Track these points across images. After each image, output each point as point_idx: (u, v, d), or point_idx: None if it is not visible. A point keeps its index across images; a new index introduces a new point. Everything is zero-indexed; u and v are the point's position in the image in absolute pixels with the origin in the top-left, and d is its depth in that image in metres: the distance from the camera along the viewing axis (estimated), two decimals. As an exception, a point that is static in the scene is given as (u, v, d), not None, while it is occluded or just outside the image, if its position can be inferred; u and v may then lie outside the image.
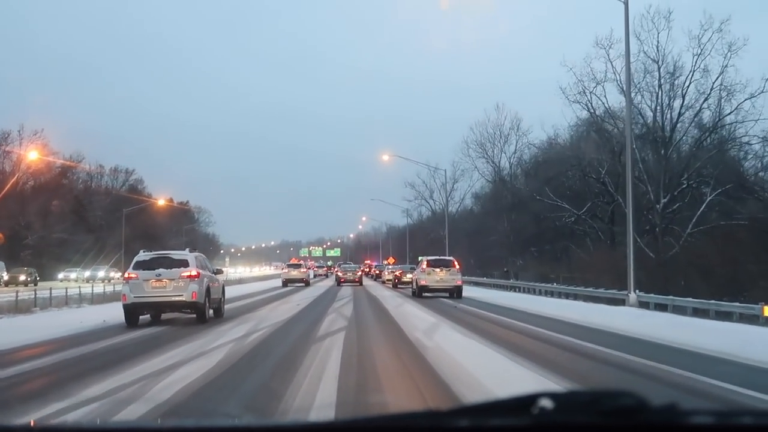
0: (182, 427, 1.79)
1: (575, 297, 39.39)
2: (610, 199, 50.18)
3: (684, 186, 44.16)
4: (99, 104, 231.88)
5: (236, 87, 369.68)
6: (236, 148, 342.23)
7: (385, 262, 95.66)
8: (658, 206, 42.97)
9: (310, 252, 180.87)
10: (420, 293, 34.46)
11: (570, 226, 52.88)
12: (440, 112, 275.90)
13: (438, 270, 34.74)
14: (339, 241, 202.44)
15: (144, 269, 20.23)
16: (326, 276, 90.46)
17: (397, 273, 53.28)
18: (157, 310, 20.56)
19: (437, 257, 38.11)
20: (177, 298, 19.83)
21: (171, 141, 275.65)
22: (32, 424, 3.25)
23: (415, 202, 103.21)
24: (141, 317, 20.53)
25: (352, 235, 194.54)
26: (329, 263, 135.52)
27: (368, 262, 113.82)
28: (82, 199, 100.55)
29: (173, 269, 20.09)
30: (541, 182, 54.83)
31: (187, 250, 23.33)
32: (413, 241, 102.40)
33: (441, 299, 32.90)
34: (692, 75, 44.18)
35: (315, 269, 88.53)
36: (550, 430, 1.48)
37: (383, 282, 62.67)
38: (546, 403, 1.50)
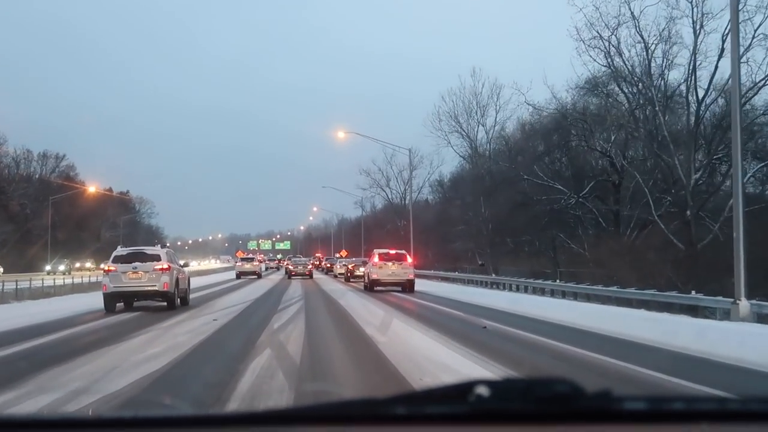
0: (119, 417, 1.80)
1: (588, 298, 30.17)
2: (616, 176, 40.64)
3: (721, 156, 34.53)
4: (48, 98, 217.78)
5: (178, 88, 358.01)
6: (184, 143, 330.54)
7: (337, 255, 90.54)
8: (689, 180, 33.21)
9: (259, 245, 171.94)
10: (372, 287, 33.47)
11: (563, 211, 43.08)
12: (404, 92, 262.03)
13: (390, 264, 33.81)
14: (289, 233, 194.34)
15: (122, 263, 22.34)
16: (277, 269, 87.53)
17: (350, 266, 51.15)
18: (133, 298, 22.61)
19: (389, 251, 36.55)
20: (151, 288, 22.06)
21: (113, 136, 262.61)
22: None
23: (371, 191, 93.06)
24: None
25: (302, 227, 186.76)
26: (279, 256, 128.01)
27: (318, 255, 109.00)
28: (3, 185, 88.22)
29: (147, 263, 22.23)
30: (529, 159, 45.09)
31: (159, 246, 25.74)
32: (368, 234, 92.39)
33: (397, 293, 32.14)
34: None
35: (267, 262, 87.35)
36: (486, 417, 1.46)
37: (335, 276, 59.51)
38: (482, 390, 1.47)
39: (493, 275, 46.97)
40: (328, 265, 75.74)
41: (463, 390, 1.51)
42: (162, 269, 22.18)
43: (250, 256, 70.60)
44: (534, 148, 46.80)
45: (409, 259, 35.15)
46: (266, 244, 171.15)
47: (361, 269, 42.99)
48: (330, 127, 64.91)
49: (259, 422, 1.60)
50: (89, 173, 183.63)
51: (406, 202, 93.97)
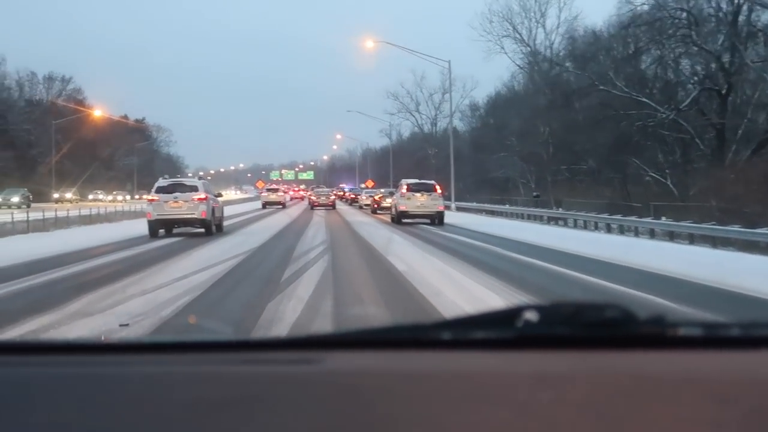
0: (163, 341, 1.73)
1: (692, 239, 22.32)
2: (724, 83, 31.43)
3: None
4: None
5: (204, 12, 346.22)
6: (207, 73, 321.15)
7: (363, 186, 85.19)
8: None
9: (281, 175, 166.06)
10: (399, 219, 31.70)
11: (647, 130, 34.11)
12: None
13: (418, 195, 31.72)
14: (312, 163, 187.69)
15: (164, 193, 23.71)
16: (302, 199, 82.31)
17: (376, 197, 47.62)
18: (174, 225, 23.97)
19: (417, 181, 34.34)
20: (190, 216, 23.45)
21: (134, 65, 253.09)
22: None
23: (398, 116, 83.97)
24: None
25: (325, 157, 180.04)
26: (302, 186, 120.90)
27: (342, 185, 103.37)
28: (2, 109, 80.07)
29: (186, 193, 23.62)
30: (607, 66, 35.88)
31: (197, 177, 28.73)
32: (395, 163, 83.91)
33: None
34: None
35: (294, 191, 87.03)
36: (533, 343, 1.41)
37: (360, 207, 56.13)
38: (530, 315, 1.42)
39: (559, 209, 38.39)
40: (353, 196, 71.65)
41: (510, 315, 1.45)
42: (200, 199, 23.43)
43: (275, 186, 70.73)
44: (608, 53, 37.44)
45: (439, 190, 32.66)
46: (289, 175, 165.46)
47: (388, 200, 40.51)
48: (358, 42, 54.77)
49: (300, 347, 1.55)
50: (102, 100, 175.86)
51: (437, 127, 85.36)
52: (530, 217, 38.93)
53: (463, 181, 72.36)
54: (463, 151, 70.09)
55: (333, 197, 57.13)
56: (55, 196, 72.41)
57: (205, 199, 23.56)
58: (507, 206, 44.17)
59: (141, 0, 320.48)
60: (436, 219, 31.11)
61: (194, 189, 23.88)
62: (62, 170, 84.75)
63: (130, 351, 1.63)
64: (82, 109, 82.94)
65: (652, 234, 26.03)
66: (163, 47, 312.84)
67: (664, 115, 32.48)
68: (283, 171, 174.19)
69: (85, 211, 33.96)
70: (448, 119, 78.45)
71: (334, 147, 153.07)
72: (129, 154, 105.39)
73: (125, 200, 77.10)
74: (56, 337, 6.69)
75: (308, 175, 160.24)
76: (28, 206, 49.77)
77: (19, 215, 27.22)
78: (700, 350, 1.45)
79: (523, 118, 49.12)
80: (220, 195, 28.27)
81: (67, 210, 33.84)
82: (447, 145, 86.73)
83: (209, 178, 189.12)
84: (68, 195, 75.84)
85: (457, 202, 48.09)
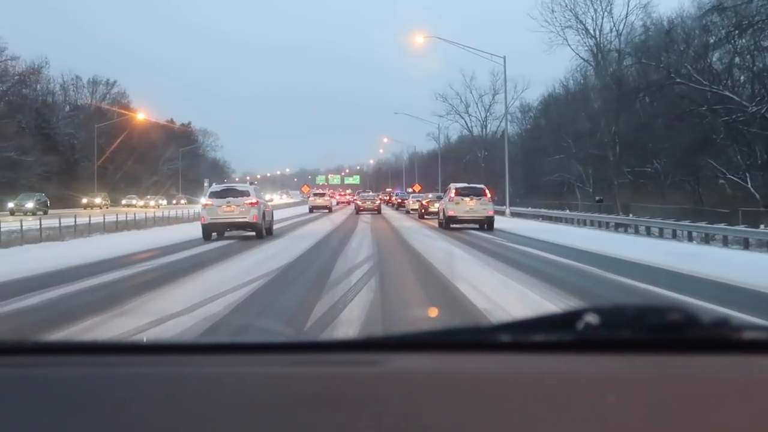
0: (218, 343, 1.72)
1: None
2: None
3: None
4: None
5: (249, 21, 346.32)
6: (256, 80, 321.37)
7: (410, 190, 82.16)
8: None
9: (327, 180, 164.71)
10: (447, 224, 30.52)
11: (733, 127, 30.33)
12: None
13: (467, 199, 30.64)
14: (358, 168, 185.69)
15: (217, 197, 24.53)
16: (348, 204, 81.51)
17: (424, 202, 45.90)
18: (226, 228, 24.35)
19: (467, 185, 33.16)
20: (242, 220, 23.96)
21: (182, 71, 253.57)
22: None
23: (447, 118, 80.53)
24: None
25: (371, 161, 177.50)
26: (348, 191, 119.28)
27: (389, 190, 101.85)
28: (46, 113, 78.68)
29: (238, 198, 24.22)
30: (681, 58, 32.19)
31: (248, 183, 28.94)
32: (443, 167, 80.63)
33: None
34: None
35: (341, 195, 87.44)
36: (595, 346, 1.40)
37: (407, 212, 54.29)
38: (591, 318, 1.40)
39: (629, 215, 34.72)
40: (399, 201, 69.95)
41: (570, 318, 1.43)
42: (251, 203, 24.01)
43: (321, 191, 70.18)
44: (686, 44, 33.65)
45: (488, 194, 31.30)
46: (335, 179, 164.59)
47: (436, 205, 38.58)
48: (408, 40, 51.53)
49: (361, 349, 1.55)
50: (149, 106, 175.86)
51: (487, 129, 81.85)
52: (593, 224, 35.39)
53: (513, 185, 68.93)
54: (514, 155, 66.69)
55: (378, 202, 56.72)
56: (84, 201, 67.68)
57: (256, 203, 24.27)
58: (567, 211, 40.52)
59: (191, 11, 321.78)
60: (486, 224, 29.85)
61: (246, 194, 24.60)
62: (105, 175, 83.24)
63: (186, 352, 1.64)
64: (125, 112, 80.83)
65: (746, 245, 22.49)
66: (211, 56, 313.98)
67: (753, 110, 28.61)
68: (330, 175, 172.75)
69: (110, 218, 31.59)
70: (500, 120, 74.84)
71: (381, 151, 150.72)
72: (174, 159, 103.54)
73: (158, 206, 72.50)
74: (115, 339, 6.35)
75: (354, 180, 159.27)
76: (45, 212, 46.89)
77: (32, 223, 24.99)
78: (765, 354, 1.40)
79: (584, 116, 45.35)
80: (270, 200, 29.13)
81: (89, 216, 31.30)
82: (497, 148, 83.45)
83: (256, 182, 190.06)
84: (97, 200, 70.31)
85: (511, 207, 44.69)
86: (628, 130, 38.29)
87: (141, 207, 68.61)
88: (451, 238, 24.35)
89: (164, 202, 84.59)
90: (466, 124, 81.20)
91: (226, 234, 24.42)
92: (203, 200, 26.35)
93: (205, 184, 50.14)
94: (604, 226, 34.41)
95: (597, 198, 39.74)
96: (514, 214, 43.57)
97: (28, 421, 1.23)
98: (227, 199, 24.11)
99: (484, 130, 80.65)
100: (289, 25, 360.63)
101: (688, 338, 1.39)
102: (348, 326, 7.91)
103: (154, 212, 45.21)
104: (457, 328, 1.58)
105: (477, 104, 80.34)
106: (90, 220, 29.25)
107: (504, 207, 42.67)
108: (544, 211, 43.75)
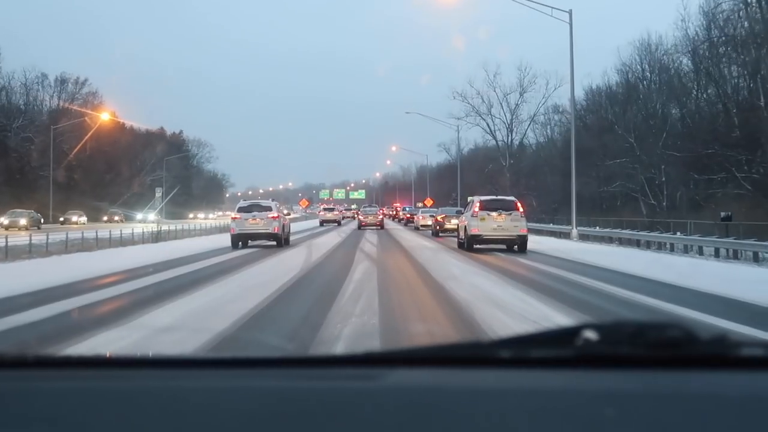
0: (220, 358, 1.78)
1: None
2: None
3: None
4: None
5: (262, 34, 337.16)
6: (260, 93, 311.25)
7: (420, 205, 75.27)
8: None
9: (332, 194, 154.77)
10: (470, 245, 24.37)
11: None
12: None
13: (495, 214, 24.48)
14: (363, 182, 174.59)
15: (244, 212, 26.79)
16: (353, 218, 76.45)
17: (439, 218, 39.13)
18: (250, 239, 26.65)
19: (494, 197, 27.35)
20: (265, 231, 26.30)
21: (186, 84, 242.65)
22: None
23: (466, 121, 67.37)
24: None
25: (378, 174, 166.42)
26: (353, 206, 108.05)
27: (396, 204, 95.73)
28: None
29: (262, 212, 26.54)
30: None
31: (271, 200, 30.99)
32: (456, 180, 68.24)
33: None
34: None
35: (344, 212, 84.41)
36: (593, 362, 1.40)
37: (416, 228, 48.60)
38: (590, 334, 1.41)
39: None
40: (407, 216, 63.97)
41: (570, 334, 1.43)
42: (273, 217, 26.36)
43: (331, 207, 75.78)
44: None
45: (521, 209, 25.24)
46: (339, 194, 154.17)
47: (453, 221, 33.75)
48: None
49: (360, 363, 1.54)
50: (138, 116, 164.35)
51: (513, 134, 68.88)
52: (715, 254, 23.31)
53: (548, 197, 55.90)
54: (551, 161, 53.88)
55: (381, 217, 53.57)
56: (61, 219, 60.49)
57: (278, 217, 26.68)
58: (670, 234, 27.64)
59: (187, 23, 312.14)
60: (517, 244, 24.47)
61: (268, 209, 27.02)
62: (70, 186, 70.72)
63: (190, 366, 1.62)
64: (85, 111, 68.00)
65: None
66: (209, 68, 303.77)
67: None
68: (335, 190, 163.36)
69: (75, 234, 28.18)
70: (528, 123, 61.81)
71: (388, 162, 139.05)
72: (158, 170, 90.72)
73: (78, 223, 59.51)
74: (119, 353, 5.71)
75: (359, 194, 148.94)
76: (38, 228, 46.76)
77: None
78: (763, 371, 1.41)
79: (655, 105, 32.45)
80: (288, 214, 31.48)
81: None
82: (523, 157, 70.73)
83: (259, 197, 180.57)
84: (75, 218, 61.22)
85: (580, 228, 31.87)
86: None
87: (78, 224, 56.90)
88: (495, 271, 16.17)
89: (120, 219, 70.47)
90: (489, 127, 68.16)
91: (249, 243, 26.61)
92: (232, 214, 29.07)
93: (157, 194, 40.02)
94: (733, 255, 23.09)
95: (723, 214, 26.88)
96: (583, 236, 31.52)
97: None
98: (253, 213, 26.53)
99: (510, 135, 67.68)
100: (293, 33, 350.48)
101: (687, 355, 1.37)
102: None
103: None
104: (457, 344, 1.57)
105: (501, 104, 67.51)
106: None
107: (569, 227, 30.14)
108: (624, 233, 31.08)
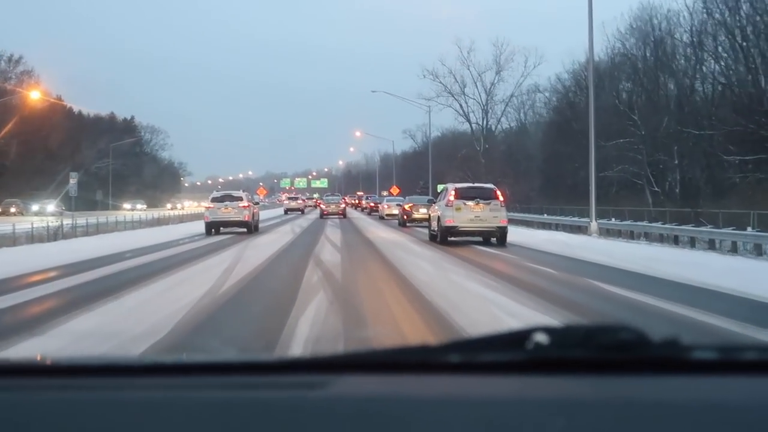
0: (162, 363, 1.69)
1: None
2: None
3: None
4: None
5: (224, 19, 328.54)
6: (221, 78, 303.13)
7: (384, 193, 73.74)
8: None
9: (293, 183, 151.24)
10: (444, 237, 22.39)
11: None
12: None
13: (472, 204, 22.41)
14: (326, 170, 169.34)
15: (217, 202, 28.85)
16: (315, 207, 76.21)
17: (406, 206, 36.11)
18: (223, 226, 28.51)
19: (471, 185, 24.94)
20: (237, 219, 28.38)
21: (140, 65, 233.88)
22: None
23: (438, 101, 61.48)
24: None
25: (341, 162, 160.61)
26: (315, 195, 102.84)
27: (360, 193, 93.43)
28: None
29: (234, 201, 28.61)
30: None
31: (242, 190, 33.22)
32: (423, 167, 62.91)
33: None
34: None
35: (307, 202, 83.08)
36: (544, 366, 1.38)
37: (381, 218, 46.53)
38: (541, 338, 1.38)
39: None
40: (372, 205, 60.97)
41: (520, 337, 1.40)
42: (244, 206, 28.43)
43: (295, 196, 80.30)
44: None
45: (500, 197, 23.19)
46: (301, 183, 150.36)
47: (422, 210, 31.77)
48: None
49: (305, 369, 1.50)
50: (87, 99, 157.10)
51: (488, 116, 63.26)
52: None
53: (530, 183, 50.46)
54: (533, 145, 48.37)
55: (343, 206, 53.56)
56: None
57: (248, 206, 28.75)
58: (732, 230, 21.82)
59: (151, 2, 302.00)
60: (496, 237, 22.34)
61: (239, 198, 29.00)
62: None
63: (128, 373, 1.56)
64: (16, 89, 60.74)
65: None
66: (168, 51, 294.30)
67: None
68: (296, 179, 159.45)
69: None
70: (504, 105, 56.39)
71: (351, 149, 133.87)
72: (103, 157, 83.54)
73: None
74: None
75: (322, 183, 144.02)
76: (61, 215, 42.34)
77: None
78: (715, 374, 1.38)
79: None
80: (257, 203, 35.15)
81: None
82: (499, 142, 65.29)
83: (219, 186, 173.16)
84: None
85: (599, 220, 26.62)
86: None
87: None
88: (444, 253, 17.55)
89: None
90: (462, 108, 62.40)
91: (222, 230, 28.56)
92: (206, 203, 31.68)
93: (71, 181, 34.15)
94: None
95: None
96: (603, 230, 26.92)
97: None
98: (225, 202, 28.59)
99: (485, 117, 62.01)
100: (257, 18, 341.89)
101: (638, 358, 1.34)
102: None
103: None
104: (406, 348, 1.52)
105: (476, 83, 61.82)
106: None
107: (587, 220, 25.17)
108: (666, 228, 25.89)
